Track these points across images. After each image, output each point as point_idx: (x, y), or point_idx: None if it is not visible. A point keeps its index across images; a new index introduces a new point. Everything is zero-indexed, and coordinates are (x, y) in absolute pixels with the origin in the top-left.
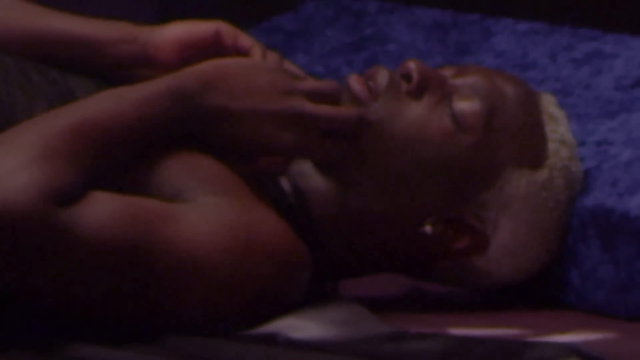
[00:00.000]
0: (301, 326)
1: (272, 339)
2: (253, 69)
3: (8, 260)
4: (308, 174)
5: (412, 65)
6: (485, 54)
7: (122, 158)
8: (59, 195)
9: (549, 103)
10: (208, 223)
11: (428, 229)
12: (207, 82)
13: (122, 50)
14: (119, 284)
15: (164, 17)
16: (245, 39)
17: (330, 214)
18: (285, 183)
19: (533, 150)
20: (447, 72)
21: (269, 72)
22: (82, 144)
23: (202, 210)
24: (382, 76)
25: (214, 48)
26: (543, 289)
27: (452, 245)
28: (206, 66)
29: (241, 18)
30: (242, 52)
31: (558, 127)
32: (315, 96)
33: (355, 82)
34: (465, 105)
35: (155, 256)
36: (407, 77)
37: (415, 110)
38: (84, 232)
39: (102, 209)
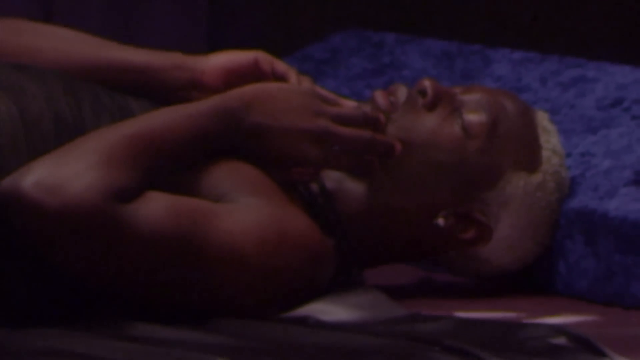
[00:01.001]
0: (329, 310)
1: (304, 321)
2: (288, 92)
3: (76, 249)
4: (335, 178)
5: (426, 82)
6: (485, 79)
7: (174, 164)
8: (119, 194)
9: (542, 118)
10: (247, 220)
11: (441, 221)
12: (249, 103)
13: (174, 76)
14: (171, 271)
15: (211, 48)
16: (280, 65)
17: (355, 211)
18: (314, 186)
19: (529, 157)
20: (456, 90)
21: (301, 95)
22: (140, 151)
23: (242, 209)
24: (402, 92)
25: (253, 74)
26: (535, 278)
27: (461, 235)
28: (248, 89)
29: (278, 48)
30: (279, 77)
31: (550, 138)
32: (339, 119)
33: (379, 96)
34: (472, 117)
35: (202, 247)
36: (423, 92)
37: (430, 120)
38: (140, 226)
39: (156, 206)
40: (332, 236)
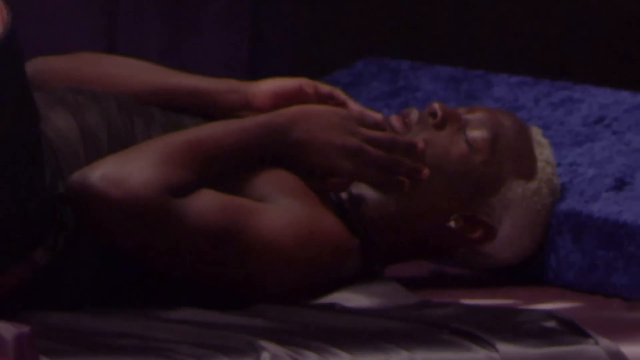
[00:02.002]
0: (353, 298)
1: (331, 307)
2: (327, 113)
3: (133, 235)
4: (361, 186)
5: (436, 105)
6: (487, 100)
7: (225, 169)
8: (173, 189)
9: (536, 133)
10: (284, 218)
11: (452, 224)
12: (294, 121)
13: (230, 99)
14: (215, 258)
15: (251, 72)
16: (324, 87)
17: (377, 215)
18: (343, 193)
19: (527, 167)
20: (461, 110)
21: (338, 116)
22: (195, 154)
23: (281, 208)
24: (414, 114)
25: (298, 98)
26: (530, 270)
27: (469, 235)
28: (294, 109)
29: (310, 73)
30: (323, 97)
31: (544, 150)
32: (371, 140)
33: (394, 120)
34: (476, 133)
35: (244, 239)
36: (433, 114)
37: (440, 138)
38: (190, 217)
39: (206, 201)
40: (357, 236)
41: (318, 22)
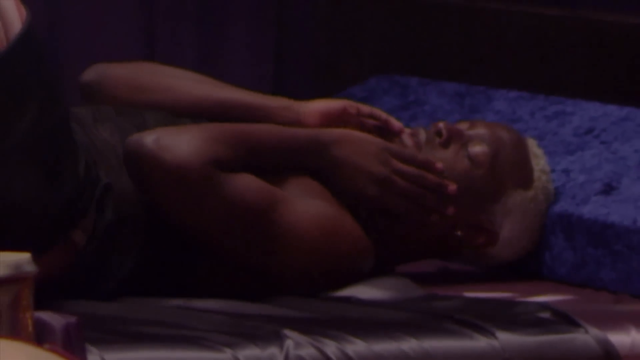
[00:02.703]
0: (367, 291)
1: (347, 300)
2: (366, 141)
3: (175, 197)
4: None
5: (441, 125)
6: (487, 113)
7: (265, 164)
8: (217, 163)
9: (532, 145)
10: (312, 213)
11: (459, 233)
12: (336, 141)
13: (282, 115)
14: (245, 236)
15: (275, 87)
16: (364, 108)
17: (390, 224)
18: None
19: (524, 177)
20: (463, 125)
21: (375, 146)
22: (243, 141)
23: (310, 205)
24: (422, 134)
25: (342, 118)
26: (526, 266)
27: (475, 241)
28: (340, 131)
29: (328, 88)
30: (364, 116)
31: (540, 161)
32: (400, 172)
33: (407, 138)
34: (477, 149)
35: (274, 224)
36: (439, 133)
37: (445, 156)
38: (230, 192)
39: (246, 181)
40: (371, 239)
41: (335, 43)
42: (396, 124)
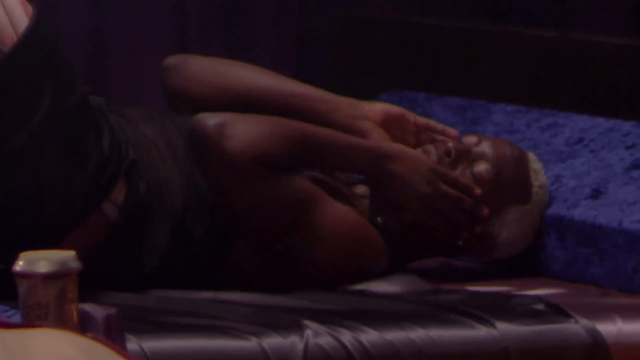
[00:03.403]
0: (380, 285)
1: (362, 293)
2: (418, 160)
3: (224, 179)
4: (395, 214)
5: (450, 145)
6: (487, 125)
7: (319, 165)
8: (270, 159)
9: (532, 160)
10: (343, 215)
11: (460, 242)
12: (393, 155)
13: (347, 110)
14: (283, 227)
15: None
16: (421, 119)
17: (403, 231)
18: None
19: (523, 193)
20: (472, 139)
21: (425, 166)
22: (302, 141)
23: (341, 208)
24: (433, 154)
25: (400, 122)
26: (523, 263)
27: (474, 248)
28: (397, 146)
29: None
30: (421, 127)
31: (538, 176)
32: (443, 194)
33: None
34: (481, 168)
35: (311, 220)
36: (448, 153)
37: (453, 174)
38: (275, 187)
39: (292, 179)
40: (385, 243)
41: (350, 62)
42: (452, 131)
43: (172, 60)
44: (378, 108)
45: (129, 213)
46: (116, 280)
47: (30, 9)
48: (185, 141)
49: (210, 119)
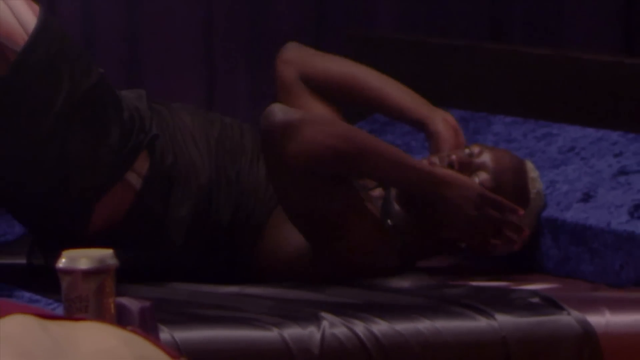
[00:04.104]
0: (391, 281)
1: (374, 287)
2: (471, 187)
3: (279, 179)
4: (406, 219)
5: (454, 158)
6: (487, 134)
7: (373, 176)
8: (318, 169)
9: (530, 169)
10: (367, 220)
11: (463, 245)
12: (447, 181)
13: (429, 107)
14: (319, 230)
15: None
16: (464, 140)
17: (413, 236)
18: (393, 219)
19: (521, 199)
20: (474, 149)
21: (475, 192)
22: (358, 159)
23: (369, 214)
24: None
25: (455, 137)
26: (521, 261)
27: (475, 250)
28: (451, 172)
29: (358, 114)
30: (461, 144)
31: (536, 183)
32: (489, 217)
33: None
34: (482, 178)
35: (343, 222)
36: (451, 164)
37: None
38: (321, 193)
39: (336, 189)
40: (399, 244)
41: None
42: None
43: (287, 53)
44: (449, 119)
45: (153, 183)
46: (143, 251)
47: (36, 7)
48: (221, 135)
49: (281, 114)
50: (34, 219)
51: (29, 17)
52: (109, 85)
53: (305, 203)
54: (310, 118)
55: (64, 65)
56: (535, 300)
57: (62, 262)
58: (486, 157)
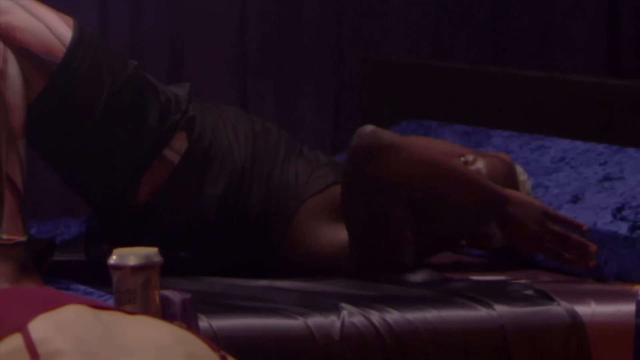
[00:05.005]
0: (404, 275)
1: (387, 280)
2: (532, 205)
3: (348, 182)
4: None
5: None
6: (488, 147)
7: (444, 198)
8: (395, 190)
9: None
10: (400, 225)
11: (464, 242)
12: (510, 200)
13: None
14: (371, 240)
15: (335, 138)
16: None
17: (422, 238)
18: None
19: None
20: (469, 157)
21: (538, 210)
22: (437, 183)
23: (402, 219)
24: None
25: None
26: (517, 257)
27: (474, 245)
28: (517, 193)
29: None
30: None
31: (525, 185)
32: (552, 233)
33: None
34: None
35: (386, 227)
36: None
37: None
38: (385, 207)
39: (397, 204)
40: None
41: (377, 96)
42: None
43: (362, 140)
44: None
45: (189, 161)
46: (178, 225)
47: (69, 19)
48: (260, 134)
49: (371, 138)
50: (93, 195)
51: (65, 31)
52: (143, 74)
53: (368, 213)
54: (398, 144)
55: (102, 65)
56: (530, 292)
57: (113, 259)
58: (480, 164)
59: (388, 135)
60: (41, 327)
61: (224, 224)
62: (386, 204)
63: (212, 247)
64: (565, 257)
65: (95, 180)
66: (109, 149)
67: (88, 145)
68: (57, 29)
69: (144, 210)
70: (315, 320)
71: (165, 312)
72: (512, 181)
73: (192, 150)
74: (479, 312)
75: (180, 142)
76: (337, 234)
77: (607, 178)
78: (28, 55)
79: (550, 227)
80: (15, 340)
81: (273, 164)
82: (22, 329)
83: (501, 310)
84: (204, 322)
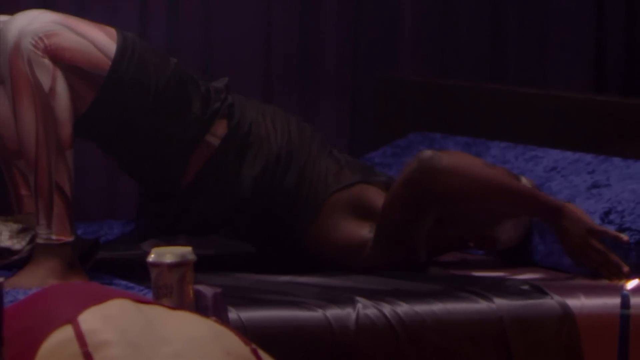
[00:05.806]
0: (412, 273)
1: (396, 275)
2: (579, 219)
3: (399, 189)
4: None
5: None
6: (487, 157)
7: (498, 210)
8: (443, 207)
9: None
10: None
11: (471, 244)
12: (562, 212)
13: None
14: (390, 243)
15: (350, 140)
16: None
17: (431, 239)
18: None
19: None
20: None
21: (583, 224)
22: (494, 196)
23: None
24: None
25: None
26: (514, 256)
27: (481, 247)
28: (565, 203)
29: (381, 142)
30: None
31: None
32: (594, 249)
33: None
34: None
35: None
36: None
37: None
38: (421, 220)
39: (425, 222)
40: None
41: (387, 110)
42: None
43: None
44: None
45: (228, 144)
46: (217, 202)
47: (112, 31)
48: (297, 129)
49: (428, 161)
50: (147, 177)
51: (108, 44)
52: (183, 69)
53: (407, 218)
54: (453, 168)
55: (147, 65)
56: (526, 287)
57: (152, 257)
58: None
59: (445, 160)
60: (90, 319)
61: (258, 205)
62: (429, 214)
63: (246, 226)
64: (602, 272)
65: (149, 165)
66: (159, 137)
67: (141, 137)
68: (102, 44)
69: (190, 188)
70: (333, 312)
71: (199, 305)
72: None
73: (231, 135)
74: (480, 305)
75: (221, 128)
76: (358, 231)
77: (595, 185)
78: (77, 71)
79: (592, 244)
80: (66, 332)
81: (306, 156)
82: (72, 321)
83: (500, 303)
84: (232, 314)
